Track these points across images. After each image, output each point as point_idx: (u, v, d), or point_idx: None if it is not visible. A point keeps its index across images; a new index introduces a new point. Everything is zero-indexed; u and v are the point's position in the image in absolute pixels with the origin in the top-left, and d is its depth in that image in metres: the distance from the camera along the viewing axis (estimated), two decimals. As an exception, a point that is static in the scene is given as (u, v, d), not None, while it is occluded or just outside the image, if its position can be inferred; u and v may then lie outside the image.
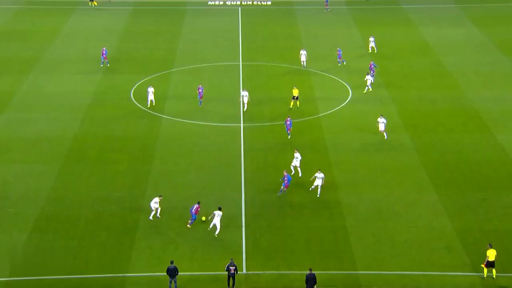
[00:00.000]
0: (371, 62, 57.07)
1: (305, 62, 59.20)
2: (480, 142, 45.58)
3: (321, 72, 59.00)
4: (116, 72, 59.45)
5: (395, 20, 76.51)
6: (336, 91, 55.02)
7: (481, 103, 51.98)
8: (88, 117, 50.04)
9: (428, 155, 43.92)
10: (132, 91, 54.97)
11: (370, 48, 64.27)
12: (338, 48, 61.07)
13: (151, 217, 36.74)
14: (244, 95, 49.94)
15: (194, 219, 35.99)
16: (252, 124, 48.52)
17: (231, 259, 31.90)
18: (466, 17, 76.71)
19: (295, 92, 50.75)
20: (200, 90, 51.36)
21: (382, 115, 46.44)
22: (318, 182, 38.94)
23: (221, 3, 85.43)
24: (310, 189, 39.33)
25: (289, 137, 45.35)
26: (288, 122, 45.80)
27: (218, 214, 35.23)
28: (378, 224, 36.39)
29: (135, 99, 53.30)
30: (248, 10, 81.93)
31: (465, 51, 64.76)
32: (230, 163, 42.99)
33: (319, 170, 39.42)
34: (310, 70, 59.12)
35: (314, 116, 49.95)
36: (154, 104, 51.27)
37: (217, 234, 35.17)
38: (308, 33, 71.19)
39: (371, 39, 64.80)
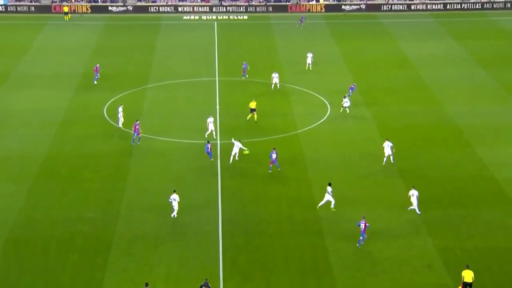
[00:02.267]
0: (353, 84, 56.65)
1: (278, 84, 58.83)
2: (461, 157, 46.01)
3: (298, 88, 59.28)
4: (89, 88, 59.17)
5: (373, 34, 77.34)
6: (315, 107, 55.28)
7: (462, 118, 52.54)
8: (60, 135, 49.65)
9: (409, 171, 44.18)
10: (106, 108, 54.70)
11: (307, 65, 63.46)
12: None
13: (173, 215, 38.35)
14: (210, 121, 49.00)
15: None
16: (229, 141, 48.46)
17: (206, 279, 31.67)
18: (445, 31, 77.80)
19: (253, 105, 51.40)
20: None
21: (387, 139, 45.23)
22: (327, 197, 39.16)
23: (197, 17, 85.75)
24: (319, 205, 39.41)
25: (278, 169, 44.06)
26: (274, 156, 43.72)
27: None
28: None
29: (108, 117, 53.02)
30: (224, 25, 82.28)
31: (445, 66, 65.56)
32: (206, 180, 42.85)
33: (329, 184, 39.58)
34: (288, 85, 59.31)
35: (292, 133, 50.08)
36: (122, 123, 50.53)
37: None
38: (285, 48, 71.61)
39: (309, 55, 63.86)
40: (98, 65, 61.06)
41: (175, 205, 38.51)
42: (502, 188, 41.84)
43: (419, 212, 38.92)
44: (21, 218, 38.55)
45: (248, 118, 51.67)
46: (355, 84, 57.21)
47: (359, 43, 73.63)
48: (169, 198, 38.55)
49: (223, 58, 65.93)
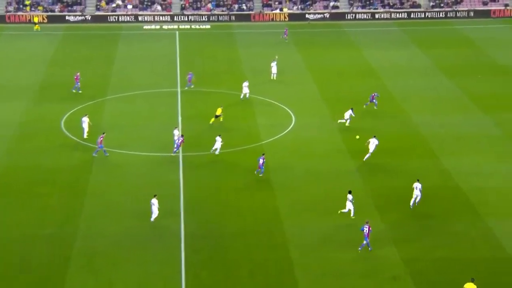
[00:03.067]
0: (374, 93, 56.76)
1: (247, 94, 59.25)
2: (427, 168, 46.70)
3: (262, 98, 59.59)
4: (45, 100, 58.62)
5: (338, 43, 78.26)
6: (279, 118, 55.62)
7: (427, 128, 53.39)
8: (14, 149, 49.05)
9: (374, 181, 44.70)
10: (63, 121, 54.23)
11: (272, 75, 63.68)
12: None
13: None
14: (176, 133, 49.16)
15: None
16: (192, 154, 48.48)
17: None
18: (410, 40, 79.14)
19: (218, 111, 52.73)
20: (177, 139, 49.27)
21: (375, 136, 47.18)
22: (349, 205, 39.91)
23: (158, 27, 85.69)
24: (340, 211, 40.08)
25: (260, 174, 44.91)
26: (261, 161, 44.60)
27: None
28: (324, 254, 36.68)
29: (66, 129, 52.57)
30: (186, 34, 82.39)
31: (409, 75, 66.62)
32: (168, 194, 42.72)
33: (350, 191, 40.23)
34: (252, 96, 59.56)
35: (256, 144, 50.30)
36: (87, 134, 50.49)
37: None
38: (249, 57, 71.97)
39: (273, 64, 63.95)
40: (78, 73, 60.65)
41: (155, 210, 39.04)
42: (467, 198, 42.60)
43: (416, 204, 41.00)
44: (-26, 236, 37.92)
45: (211, 122, 52.62)
46: (376, 92, 57.02)
47: (323, 52, 74.41)
48: (150, 202, 39.22)
49: (185, 69, 65.99)
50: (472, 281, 32.54)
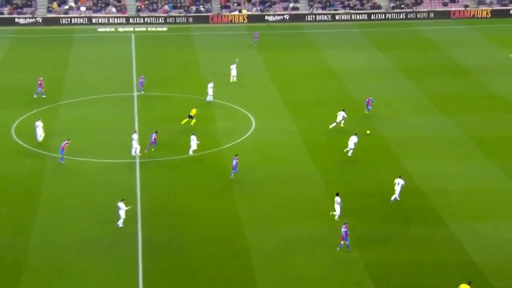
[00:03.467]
0: (370, 98, 56.75)
1: (211, 97, 58.94)
2: (389, 171, 47.09)
3: (222, 102, 59.47)
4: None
5: (298, 45, 78.58)
6: (239, 122, 55.59)
7: (388, 130, 53.88)
8: (-37, 157, 48.03)
9: (336, 185, 44.84)
10: (14, 127, 53.28)
11: (231, 78, 63.77)
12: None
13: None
14: (135, 138, 48.80)
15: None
16: (149, 160, 48.09)
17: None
18: (370, 42, 79.91)
19: (193, 112, 53.18)
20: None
21: (356, 134, 48.83)
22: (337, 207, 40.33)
23: (112, 29, 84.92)
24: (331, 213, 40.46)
25: (230, 177, 45.20)
26: (234, 163, 44.88)
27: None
28: (286, 260, 36.70)
29: (17, 136, 51.66)
30: (142, 37, 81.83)
31: (370, 77, 67.22)
32: (125, 200, 42.20)
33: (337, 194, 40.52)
34: (206, 101, 59.34)
35: (216, 149, 50.13)
36: (41, 139, 49.76)
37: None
38: (207, 60, 71.82)
39: (233, 67, 64.02)
40: (41, 78, 59.78)
41: (122, 214, 38.91)
42: (429, 201, 43.10)
43: (398, 199, 42.27)
44: None
45: (182, 122, 53.01)
46: (371, 97, 56.96)
47: (283, 54, 74.65)
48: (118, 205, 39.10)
49: (142, 72, 65.42)
50: (469, 284, 32.91)
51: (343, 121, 53.52)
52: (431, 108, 59.14)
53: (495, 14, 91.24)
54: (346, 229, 37.01)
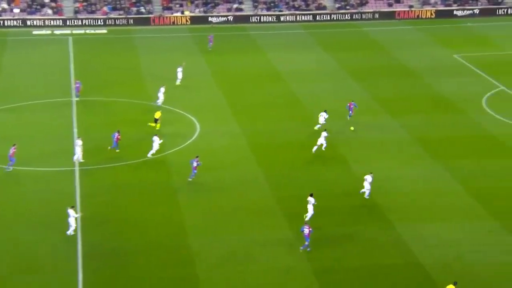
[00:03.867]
0: (352, 102, 56.65)
1: (161, 101, 58.24)
2: (337, 174, 47.46)
3: (166, 106, 59.00)
4: None
5: (242, 47, 78.67)
6: (182, 127, 55.26)
7: (337, 134, 54.21)
8: None
9: (283, 190, 45.00)
10: None
11: (178, 80, 63.79)
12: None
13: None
14: (79, 143, 48.12)
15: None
16: (89, 167, 47.36)
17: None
18: (316, 43, 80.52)
19: (157, 115, 53.74)
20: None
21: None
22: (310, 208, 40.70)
23: (48, 32, 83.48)
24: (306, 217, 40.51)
25: (189, 179, 45.43)
26: (195, 164, 45.25)
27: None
28: (232, 268, 36.57)
29: None
30: (80, 40, 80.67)
31: (317, 79, 67.69)
32: (63, 212, 41.44)
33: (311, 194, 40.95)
34: (153, 104, 58.89)
35: (159, 155, 49.70)
36: None
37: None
38: (149, 63, 71.26)
39: (179, 69, 64.06)
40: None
41: (72, 222, 38.35)
42: (376, 204, 43.56)
43: (368, 197, 43.26)
44: None
45: (149, 124, 53.42)
46: (353, 102, 56.83)
47: (227, 56, 74.61)
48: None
49: (80, 77, 64.47)
50: (455, 284, 33.34)
51: (325, 123, 53.86)
52: (378, 110, 59.78)
53: (439, 14, 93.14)
54: (310, 229, 37.54)
